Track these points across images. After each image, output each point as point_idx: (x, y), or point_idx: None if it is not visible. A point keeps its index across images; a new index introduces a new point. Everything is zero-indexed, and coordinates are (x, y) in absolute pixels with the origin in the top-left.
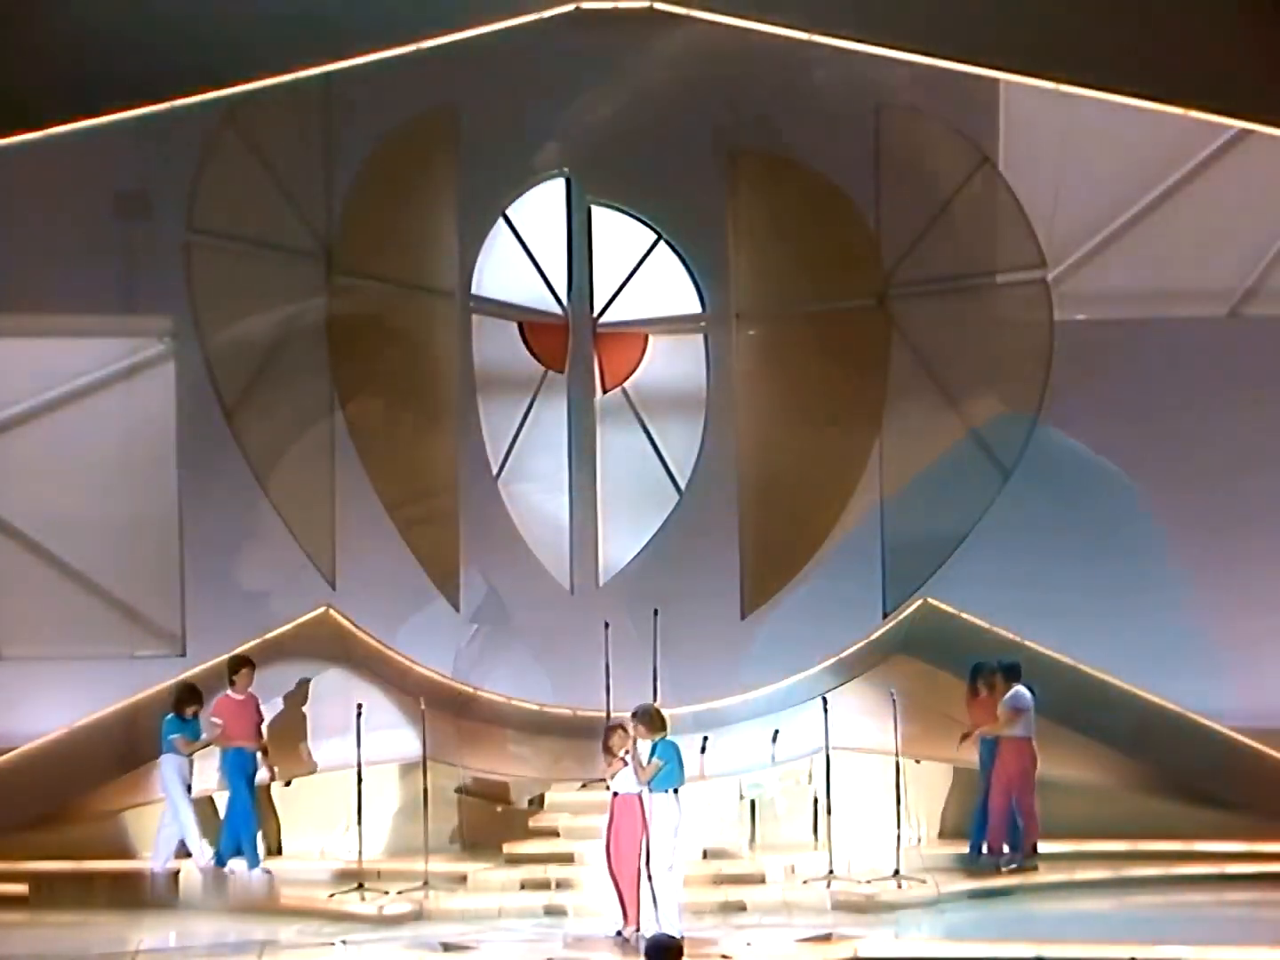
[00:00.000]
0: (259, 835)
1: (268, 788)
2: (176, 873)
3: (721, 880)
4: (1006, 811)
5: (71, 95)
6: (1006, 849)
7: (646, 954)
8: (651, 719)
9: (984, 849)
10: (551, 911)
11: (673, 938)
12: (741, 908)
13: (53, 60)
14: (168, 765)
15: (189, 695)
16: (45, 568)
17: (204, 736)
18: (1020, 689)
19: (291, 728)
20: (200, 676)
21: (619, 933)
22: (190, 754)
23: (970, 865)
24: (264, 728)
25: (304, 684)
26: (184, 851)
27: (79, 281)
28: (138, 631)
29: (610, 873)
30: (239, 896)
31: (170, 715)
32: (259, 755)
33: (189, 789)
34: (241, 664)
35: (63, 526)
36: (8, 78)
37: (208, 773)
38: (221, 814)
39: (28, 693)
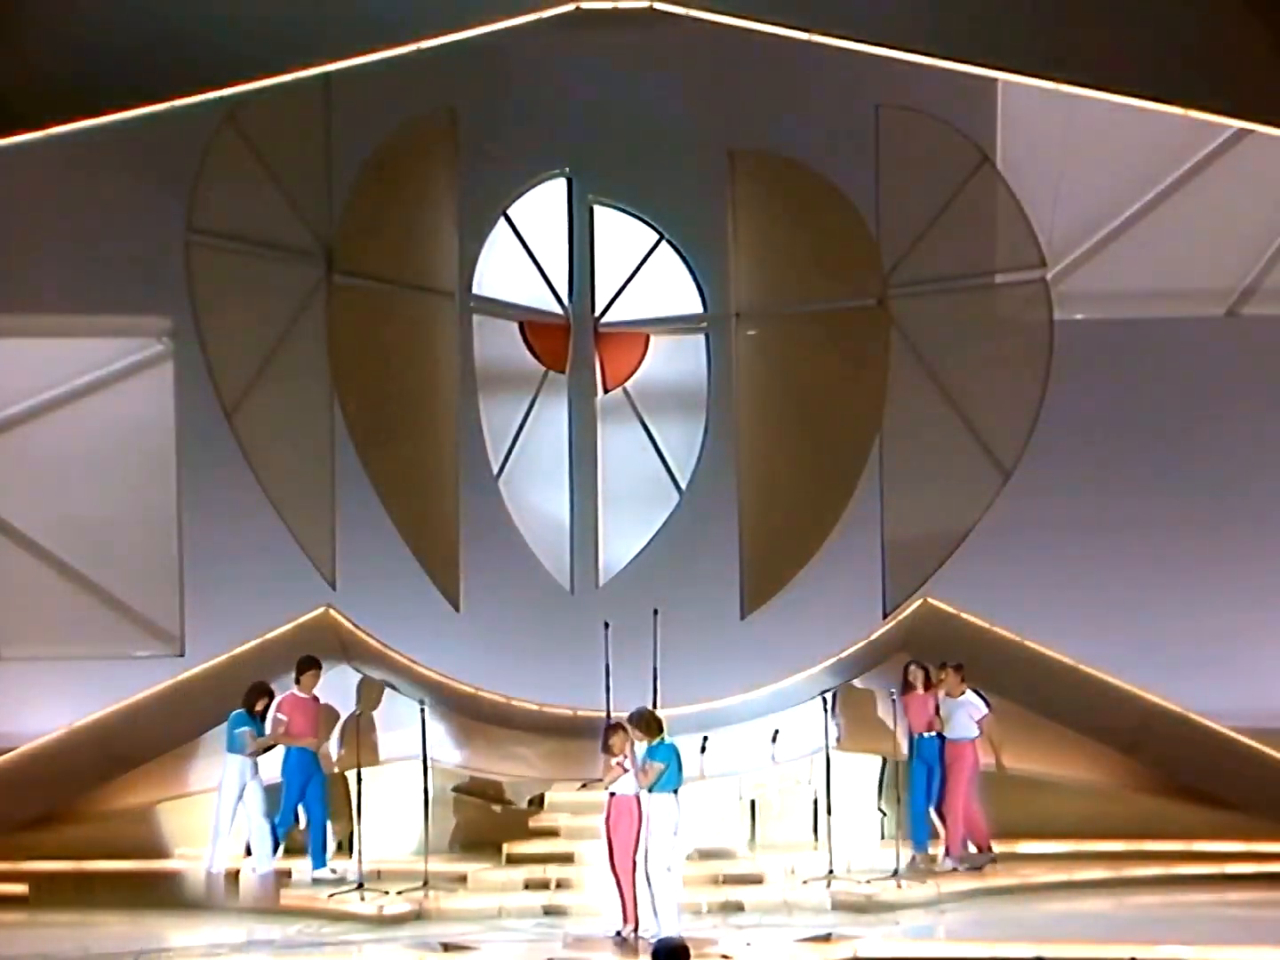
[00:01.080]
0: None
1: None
2: (284, 872)
3: (721, 880)
4: (963, 813)
5: (71, 95)
6: (973, 848)
7: (654, 956)
8: (648, 722)
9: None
10: (551, 911)
11: (680, 941)
12: (741, 908)
13: (53, 60)
14: (231, 765)
15: (265, 692)
16: (45, 568)
17: (267, 734)
18: (973, 692)
19: (365, 726)
20: (199, 677)
21: (618, 933)
22: (254, 752)
23: (931, 868)
24: (335, 730)
25: (377, 686)
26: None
27: (79, 281)
28: (137, 632)
29: (612, 872)
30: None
31: (239, 710)
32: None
33: (242, 793)
34: (309, 665)
35: (62, 526)
36: (8, 78)
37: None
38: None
39: (28, 693)
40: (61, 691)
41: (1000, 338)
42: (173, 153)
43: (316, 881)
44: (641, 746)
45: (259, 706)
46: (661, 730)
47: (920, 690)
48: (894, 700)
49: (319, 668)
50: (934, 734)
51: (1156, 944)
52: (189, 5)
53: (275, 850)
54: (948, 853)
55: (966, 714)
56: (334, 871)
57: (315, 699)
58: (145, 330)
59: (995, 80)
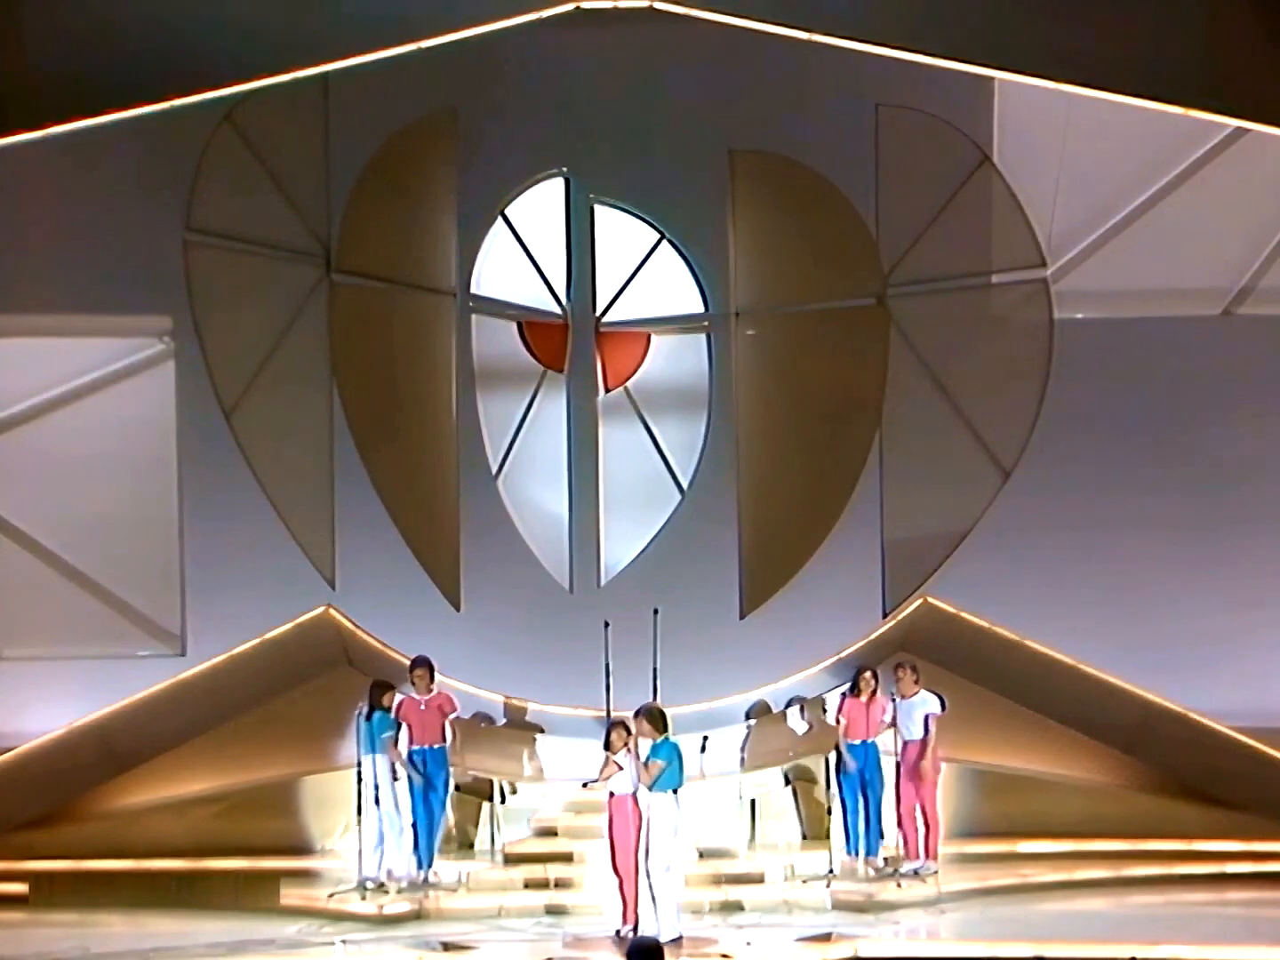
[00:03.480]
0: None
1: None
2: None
3: (721, 880)
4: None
5: (71, 95)
6: (922, 856)
7: (628, 956)
8: (655, 719)
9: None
10: (551, 911)
11: (654, 941)
12: (741, 908)
13: (52, 60)
14: (381, 766)
15: (389, 687)
16: (45, 567)
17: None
18: (928, 691)
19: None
20: (200, 676)
21: (617, 932)
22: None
23: (900, 875)
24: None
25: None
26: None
27: (79, 281)
28: (138, 631)
29: (615, 872)
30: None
31: (378, 713)
32: (446, 755)
33: (380, 792)
34: (414, 665)
35: (63, 526)
36: (7, 78)
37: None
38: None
39: (29, 693)
40: (63, 691)
41: (1000, 337)
42: (173, 153)
43: (424, 883)
44: (645, 744)
45: (388, 702)
46: (666, 728)
47: (865, 697)
48: (893, 701)
49: (425, 668)
50: (875, 739)
51: (1156, 943)
52: (189, 5)
53: (431, 853)
54: (927, 856)
55: (924, 714)
56: (435, 874)
57: (434, 699)
58: (145, 330)
59: (992, 79)
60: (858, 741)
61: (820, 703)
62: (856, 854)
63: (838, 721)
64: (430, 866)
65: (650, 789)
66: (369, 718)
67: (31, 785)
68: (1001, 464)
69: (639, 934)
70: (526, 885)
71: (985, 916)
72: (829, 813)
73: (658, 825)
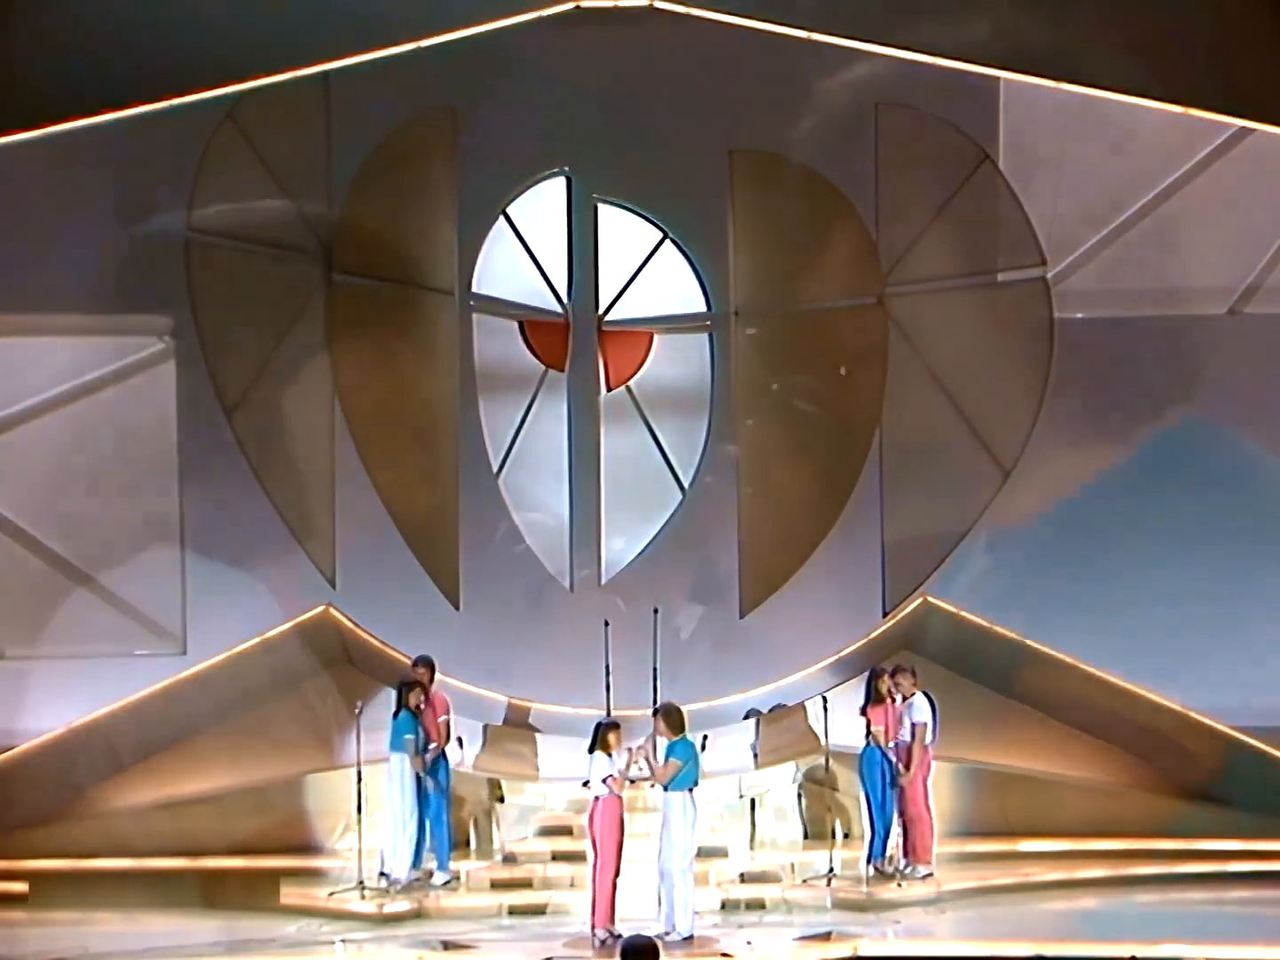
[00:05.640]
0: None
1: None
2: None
3: (722, 880)
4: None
5: (71, 95)
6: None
7: (622, 955)
8: (673, 718)
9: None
10: (551, 911)
11: (649, 941)
12: (742, 907)
13: (52, 60)
14: (405, 765)
15: (417, 689)
16: (47, 566)
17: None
18: (923, 695)
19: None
20: (202, 675)
21: (603, 932)
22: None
23: (900, 877)
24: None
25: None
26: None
27: (79, 281)
28: (138, 630)
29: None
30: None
31: (404, 712)
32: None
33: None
34: (415, 665)
35: (63, 525)
36: (7, 77)
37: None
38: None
39: (30, 692)
40: (64, 690)
41: (1000, 337)
42: (173, 152)
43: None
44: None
45: (414, 702)
46: (684, 728)
47: (889, 701)
48: (893, 700)
49: (422, 666)
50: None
51: (1156, 943)
52: (188, 5)
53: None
54: (920, 859)
55: (910, 721)
56: (453, 874)
57: (436, 699)
58: (146, 329)
59: (997, 79)
60: (892, 744)
61: (802, 708)
62: (883, 858)
63: (868, 731)
64: (444, 869)
65: (666, 789)
66: (396, 716)
67: (31, 785)
68: (1001, 464)
69: (678, 933)
70: (527, 885)
71: (985, 916)
72: (829, 810)
73: (675, 824)
